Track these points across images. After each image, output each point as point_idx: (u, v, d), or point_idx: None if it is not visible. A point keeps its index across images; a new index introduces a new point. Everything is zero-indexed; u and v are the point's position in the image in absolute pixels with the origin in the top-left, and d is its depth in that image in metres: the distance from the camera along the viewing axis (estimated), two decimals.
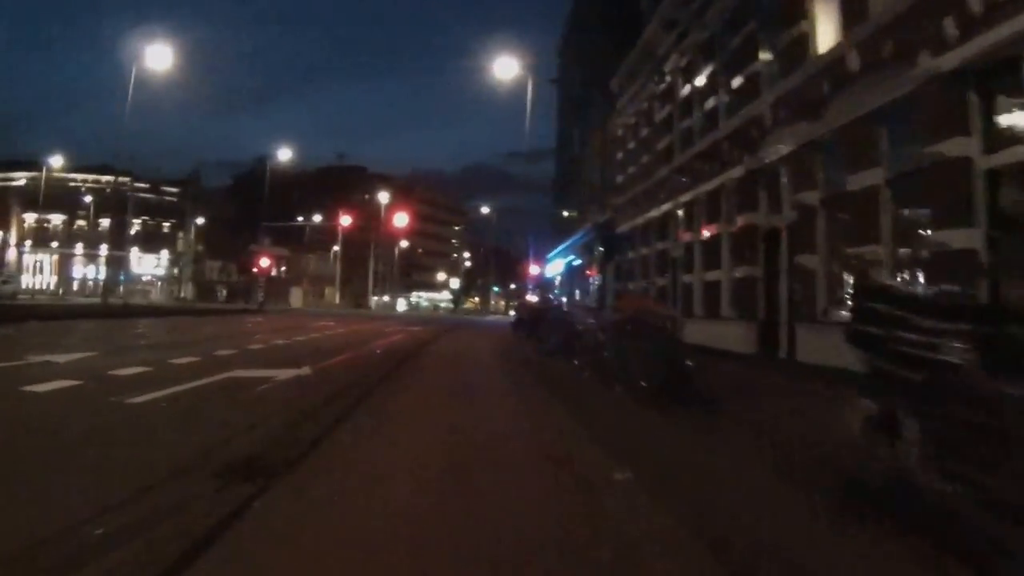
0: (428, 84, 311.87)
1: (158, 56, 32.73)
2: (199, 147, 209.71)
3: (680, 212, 19.58)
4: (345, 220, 57.59)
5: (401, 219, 62.76)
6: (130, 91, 31.92)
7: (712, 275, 16.77)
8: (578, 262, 35.15)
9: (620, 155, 27.15)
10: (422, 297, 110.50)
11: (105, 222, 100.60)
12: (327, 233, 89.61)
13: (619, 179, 27.09)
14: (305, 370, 10.63)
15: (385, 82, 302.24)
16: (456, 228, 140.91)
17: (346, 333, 23.01)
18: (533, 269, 45.77)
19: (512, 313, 61.84)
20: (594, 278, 32.15)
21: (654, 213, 21.67)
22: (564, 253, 38.86)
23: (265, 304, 51.25)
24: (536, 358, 14.63)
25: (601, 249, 29.55)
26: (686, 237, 18.62)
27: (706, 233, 17.09)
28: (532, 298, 49.16)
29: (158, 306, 45.37)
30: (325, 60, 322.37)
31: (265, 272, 50.30)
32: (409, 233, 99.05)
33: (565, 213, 43.81)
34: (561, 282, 42.36)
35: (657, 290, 21.22)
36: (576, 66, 39.44)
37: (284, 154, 49.68)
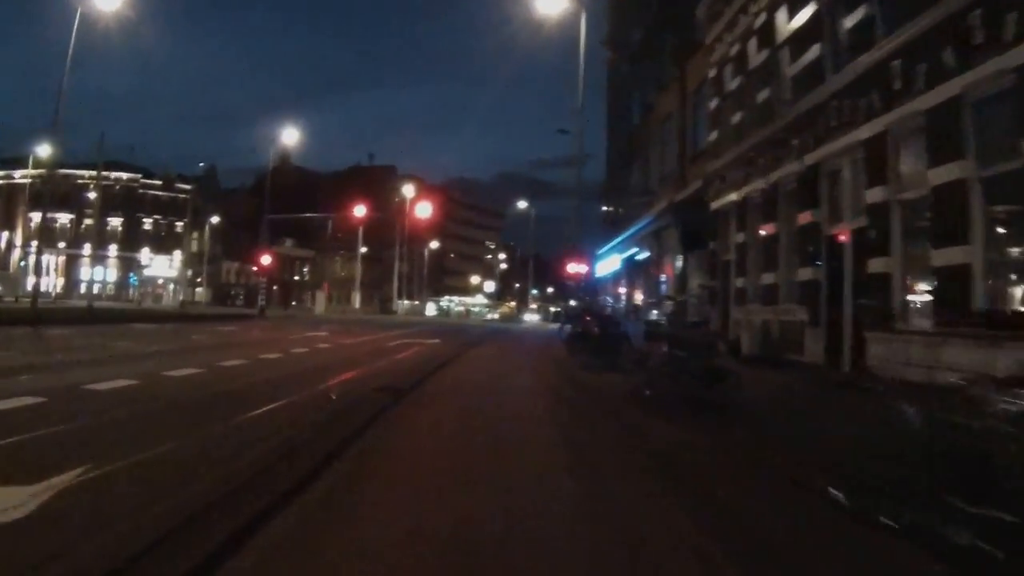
0: (462, 93, 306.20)
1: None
2: (231, 152, 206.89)
3: (852, 159, 11.99)
4: (360, 210, 50.42)
5: (424, 209, 55.45)
6: (65, 67, 25.12)
7: (948, 256, 9.11)
8: (643, 255, 27.50)
9: (714, 103, 19.54)
10: (453, 301, 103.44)
11: (115, 221, 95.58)
12: (353, 234, 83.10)
13: (712, 137, 19.50)
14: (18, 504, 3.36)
15: (418, 90, 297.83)
16: (491, 231, 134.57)
17: (328, 350, 15.84)
18: (577, 267, 38.04)
19: (555, 323, 54.32)
20: (665, 277, 24.57)
21: (785, 170, 14.10)
22: (621, 247, 31.25)
23: (268, 308, 44.73)
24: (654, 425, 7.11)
25: (682, 235, 21.98)
26: (875, 195, 10.95)
27: (933, 179, 9.46)
28: (573, 303, 41.64)
29: (136, 310, 38.74)
30: (357, 69, 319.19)
31: (266, 271, 43.46)
32: (433, 227, 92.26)
33: (618, 210, 36.35)
34: (616, 283, 34.69)
35: (798, 288, 13.66)
36: (635, 19, 31.91)
37: (290, 136, 42.62)
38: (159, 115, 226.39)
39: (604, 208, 41.28)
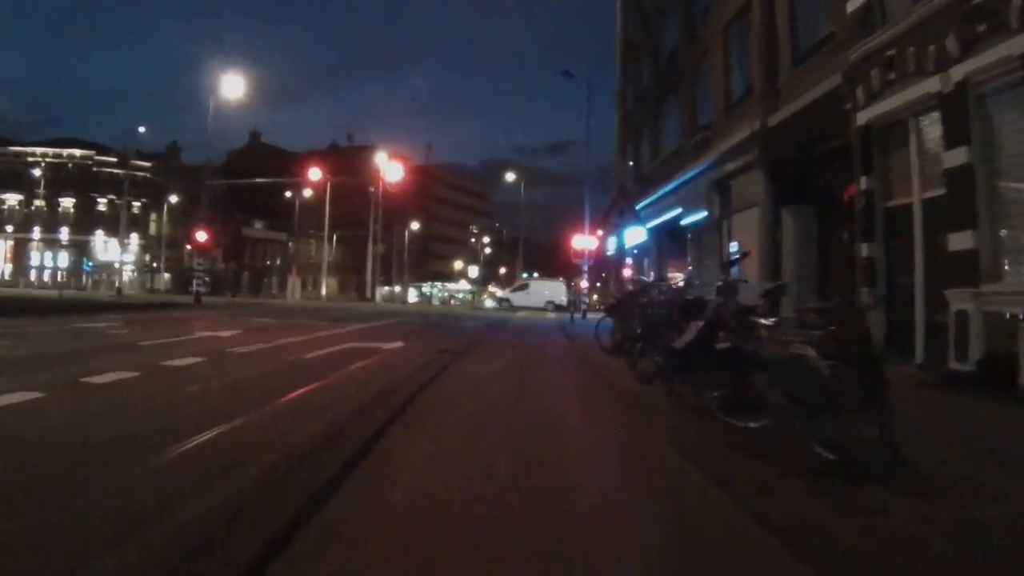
0: (450, 81, 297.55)
1: None
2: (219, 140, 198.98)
3: None
4: (314, 173, 42.32)
5: (395, 171, 47.31)
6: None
7: None
8: (694, 217, 19.67)
9: None
10: (437, 287, 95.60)
11: (67, 202, 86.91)
12: (333, 218, 74.80)
13: (853, 3, 11.70)
14: None
15: (403, 78, 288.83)
16: (477, 214, 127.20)
17: (162, 379, 8.09)
18: (585, 242, 30.37)
19: (554, 312, 46.17)
20: (736, 244, 16.94)
21: None
22: (649, 213, 23.43)
23: (240, 295, 37.02)
24: None
25: (775, 178, 14.38)
26: None
27: None
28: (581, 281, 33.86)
29: (40, 299, 30.83)
30: (340, 58, 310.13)
31: (204, 249, 35.56)
32: (416, 208, 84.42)
33: (638, 170, 28.64)
34: (639, 259, 26.93)
35: None
36: None
37: (235, 85, 34.26)
38: (146, 103, 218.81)
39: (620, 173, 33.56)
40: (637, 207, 23.43)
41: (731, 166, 16.62)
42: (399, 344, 13.64)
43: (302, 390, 7.26)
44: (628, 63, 31.39)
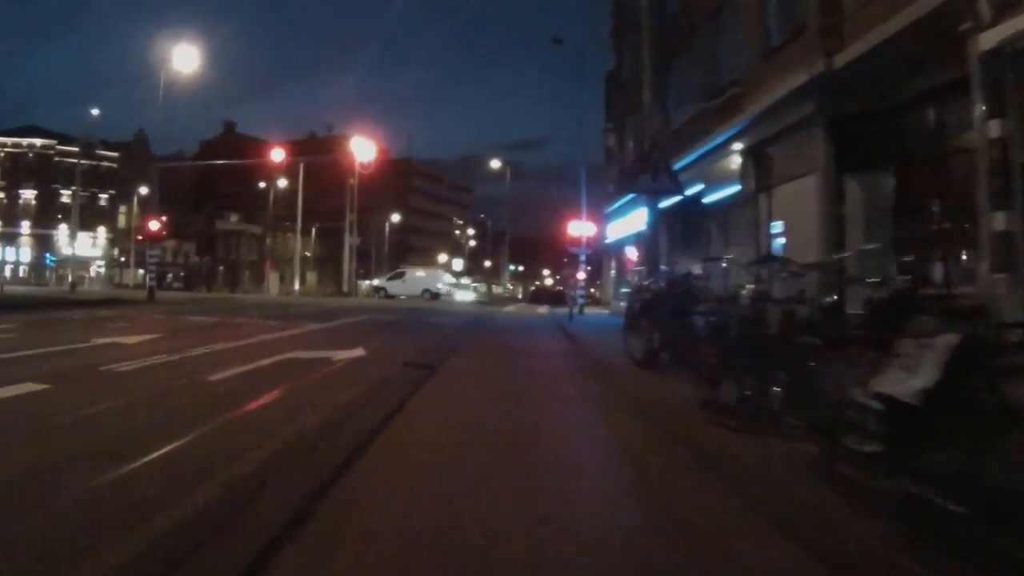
0: (422, 75, 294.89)
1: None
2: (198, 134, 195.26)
3: None
4: (277, 154, 38.92)
5: (368, 151, 43.79)
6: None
7: None
8: (720, 193, 16.40)
9: None
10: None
11: (28, 193, 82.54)
12: (306, 207, 71.20)
13: None
14: None
15: (380, 72, 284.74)
16: (459, 207, 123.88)
17: None
18: (583, 228, 27.29)
19: (541, 304, 42.84)
20: (781, 224, 13.82)
21: None
22: (660, 192, 20.15)
23: (214, 290, 33.60)
24: None
25: (837, 138, 11.31)
26: None
27: None
28: (580, 275, 30.63)
29: None
30: (322, 52, 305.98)
31: (155, 239, 32.04)
32: (396, 200, 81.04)
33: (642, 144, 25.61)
34: (647, 249, 23.74)
35: None
36: None
37: (186, 58, 30.70)
38: (119, 94, 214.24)
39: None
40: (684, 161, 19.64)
41: (773, 127, 13.46)
42: (358, 352, 10.38)
43: (133, 463, 4.03)
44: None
